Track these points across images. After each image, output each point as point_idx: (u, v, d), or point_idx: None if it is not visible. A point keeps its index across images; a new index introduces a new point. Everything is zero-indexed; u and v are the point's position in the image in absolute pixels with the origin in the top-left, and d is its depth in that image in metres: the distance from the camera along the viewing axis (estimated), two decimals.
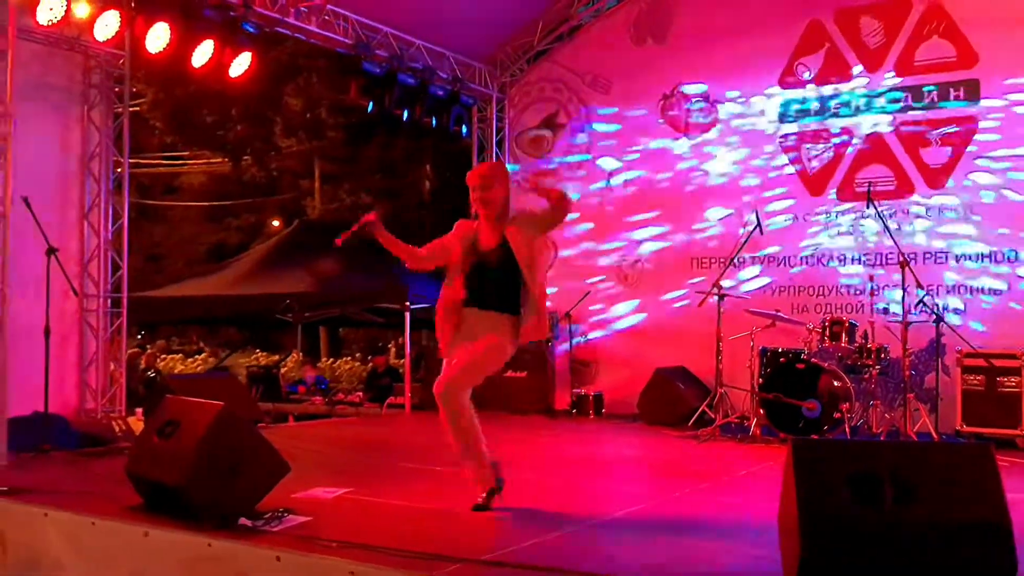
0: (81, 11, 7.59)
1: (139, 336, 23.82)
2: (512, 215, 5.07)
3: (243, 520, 4.45)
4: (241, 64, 8.56)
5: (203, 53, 8.25)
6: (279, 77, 20.21)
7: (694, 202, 10.27)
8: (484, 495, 4.95)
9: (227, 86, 10.08)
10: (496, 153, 11.69)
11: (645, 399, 9.66)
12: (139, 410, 8.51)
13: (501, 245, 4.97)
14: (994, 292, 8.72)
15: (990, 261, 8.76)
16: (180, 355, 25.04)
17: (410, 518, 4.88)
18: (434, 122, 10.69)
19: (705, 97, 10.31)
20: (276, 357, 21.43)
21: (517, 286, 4.97)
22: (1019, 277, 8.62)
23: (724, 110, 10.19)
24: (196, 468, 4.55)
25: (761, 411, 8.12)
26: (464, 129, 11.16)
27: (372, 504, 5.24)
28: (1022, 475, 6.40)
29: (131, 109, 9.39)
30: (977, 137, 8.83)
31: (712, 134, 10.24)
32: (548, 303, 5.67)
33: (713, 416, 8.62)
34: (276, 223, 25.04)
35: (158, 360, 21.46)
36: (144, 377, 13.33)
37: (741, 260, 9.55)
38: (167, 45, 7.91)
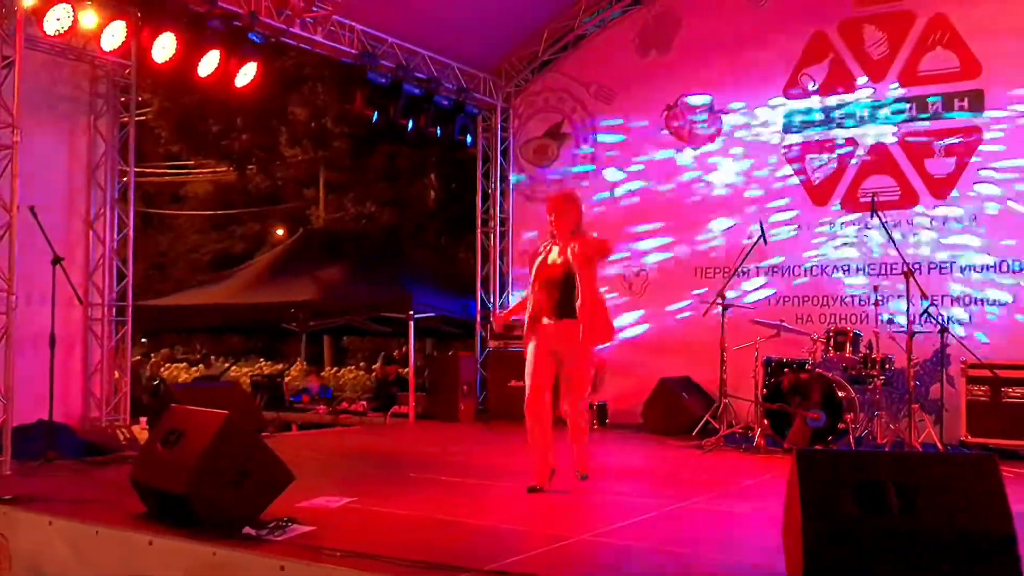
0: (88, 21, 7.63)
1: (142, 342, 23.85)
2: (578, 233, 5.87)
3: (247, 529, 4.46)
4: (247, 74, 8.59)
5: (209, 63, 8.29)
6: (284, 87, 20.26)
7: (698, 213, 10.28)
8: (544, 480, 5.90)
9: (232, 96, 10.11)
10: (501, 163, 11.72)
11: (649, 409, 9.65)
12: (143, 419, 8.52)
13: (564, 261, 5.82)
14: (999, 303, 8.71)
15: (995, 272, 8.75)
16: (184, 364, 25.04)
17: (415, 527, 4.88)
18: (439, 132, 10.73)
19: (709, 108, 10.33)
20: (280, 366, 21.42)
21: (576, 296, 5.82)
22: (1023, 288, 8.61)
23: (728, 121, 10.21)
24: (200, 477, 4.56)
25: (765, 421, 8.11)
26: (469, 139, 11.20)
27: (377, 513, 5.23)
28: None
29: (137, 118, 9.42)
30: (981, 148, 8.84)
31: (716, 144, 10.27)
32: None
33: (717, 426, 8.60)
34: (281, 232, 25.06)
35: (162, 369, 21.50)
36: (149, 386, 13.35)
37: (745, 270, 9.55)
38: (173, 55, 7.96)
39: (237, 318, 13.81)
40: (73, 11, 7.32)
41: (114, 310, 8.74)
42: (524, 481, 6.00)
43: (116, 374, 8.80)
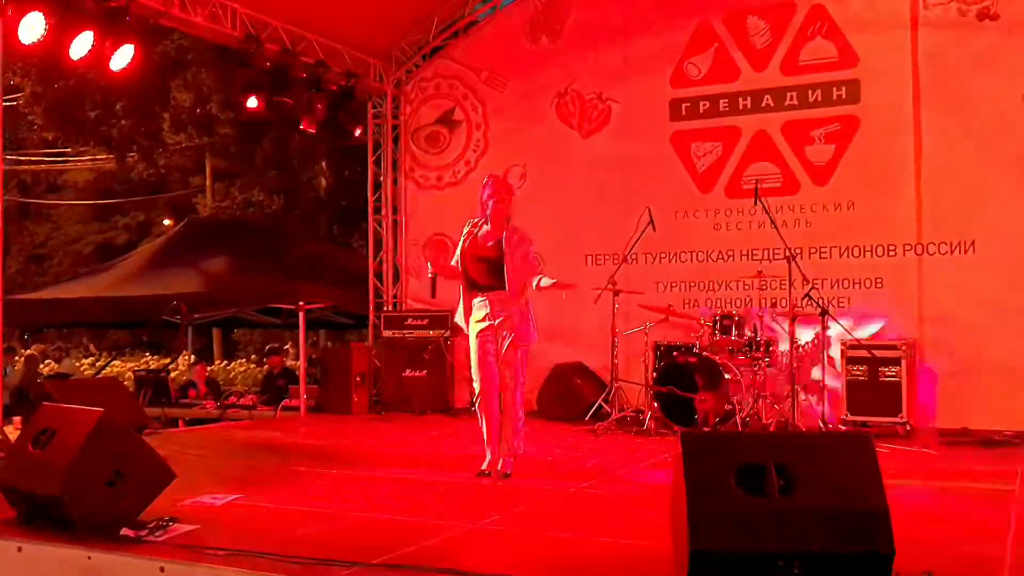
0: None
1: (25, 338, 22.87)
2: (513, 224, 6.09)
3: (125, 530, 4.27)
4: (123, 57, 8.23)
5: (82, 45, 7.91)
6: (166, 70, 19.57)
7: (589, 200, 10.34)
8: (492, 468, 5.95)
9: (110, 79, 9.69)
10: (393, 149, 11.57)
11: (543, 395, 9.71)
12: (17, 418, 8.12)
13: (500, 242, 5.97)
14: (876, 285, 9.06)
15: (871, 256, 9.08)
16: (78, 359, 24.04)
17: (301, 523, 4.76)
18: (328, 118, 10.50)
19: (599, 95, 10.41)
20: (167, 360, 20.78)
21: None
22: (897, 271, 8.97)
23: (617, 109, 10.31)
24: (73, 477, 4.34)
25: (655, 404, 8.25)
26: (358, 132, 10.99)
27: (263, 510, 5.11)
28: (902, 461, 6.66)
29: (7, 104, 8.94)
30: (858, 136, 9.16)
31: (605, 132, 10.36)
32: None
33: (609, 410, 8.71)
34: (167, 222, 24.29)
35: (41, 365, 20.56)
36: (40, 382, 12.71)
37: (634, 256, 9.66)
38: (43, 36, 7.55)
39: (119, 311, 13.31)
40: None
41: None
42: (415, 472, 6.00)
43: None
